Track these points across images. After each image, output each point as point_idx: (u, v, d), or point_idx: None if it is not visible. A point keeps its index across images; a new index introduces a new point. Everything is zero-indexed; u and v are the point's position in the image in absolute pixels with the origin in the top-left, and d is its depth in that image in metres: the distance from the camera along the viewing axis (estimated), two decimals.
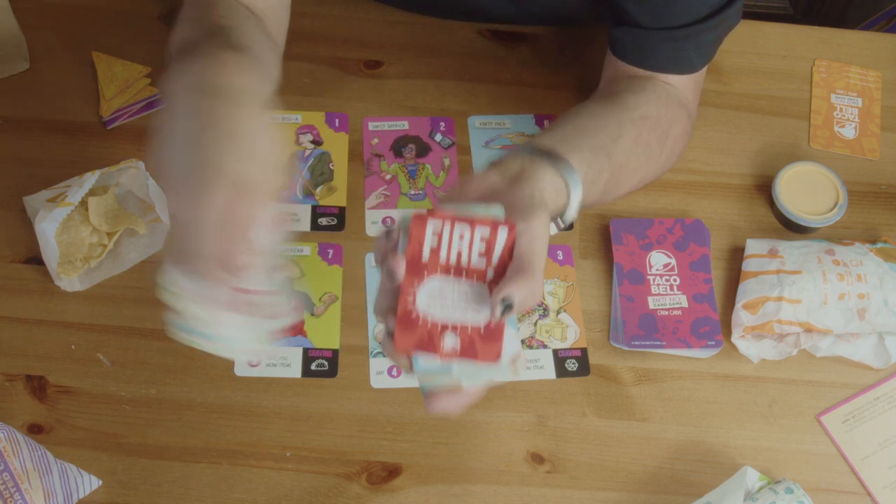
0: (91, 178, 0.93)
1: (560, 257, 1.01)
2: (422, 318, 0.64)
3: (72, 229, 0.94)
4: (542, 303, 0.99)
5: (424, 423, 0.93)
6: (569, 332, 0.98)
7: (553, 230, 0.79)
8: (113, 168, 0.95)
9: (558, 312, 0.98)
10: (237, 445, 0.91)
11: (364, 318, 0.97)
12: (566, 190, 0.80)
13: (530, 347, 0.97)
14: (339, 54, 1.10)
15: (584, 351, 0.97)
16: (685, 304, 0.97)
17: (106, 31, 1.11)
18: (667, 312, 0.97)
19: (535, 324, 0.98)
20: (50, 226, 0.91)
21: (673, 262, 1.00)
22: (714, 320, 0.96)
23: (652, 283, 0.98)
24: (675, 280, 0.98)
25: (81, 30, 1.11)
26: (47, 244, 0.92)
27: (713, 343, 0.95)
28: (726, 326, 0.97)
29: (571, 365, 0.96)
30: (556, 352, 0.97)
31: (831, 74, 1.14)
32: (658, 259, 1.00)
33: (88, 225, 0.95)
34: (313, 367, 0.95)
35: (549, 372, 0.96)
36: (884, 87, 1.14)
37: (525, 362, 0.69)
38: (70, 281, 0.95)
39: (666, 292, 0.98)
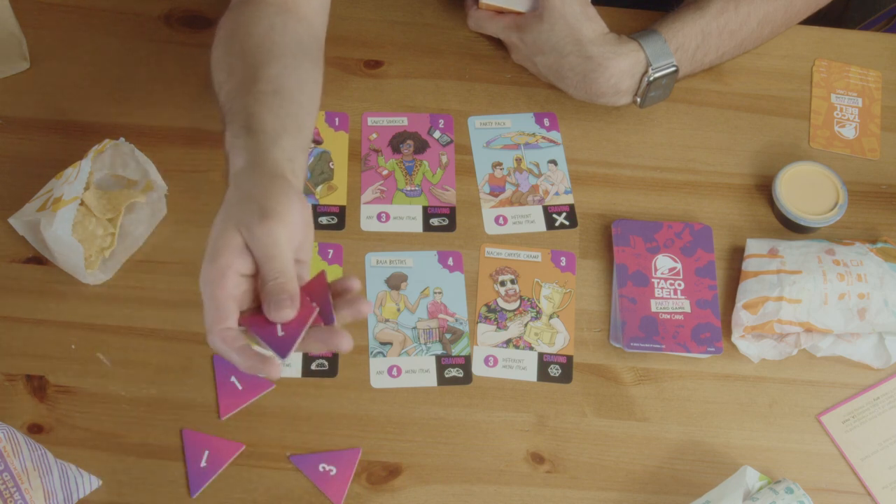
0: (84, 169, 0.93)
1: (563, 263, 1.01)
2: None
3: (79, 226, 0.94)
4: (537, 305, 0.99)
5: (424, 423, 0.93)
6: (558, 338, 0.97)
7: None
8: (94, 153, 0.96)
9: (551, 317, 0.98)
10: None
11: (364, 319, 0.97)
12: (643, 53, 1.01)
13: (516, 347, 0.97)
14: (339, 54, 1.10)
15: (569, 358, 0.97)
16: (688, 310, 0.97)
17: (106, 31, 1.11)
18: (668, 316, 0.97)
19: (526, 325, 0.98)
20: (64, 226, 0.91)
21: (679, 266, 0.99)
22: (716, 327, 0.96)
23: (656, 286, 0.98)
24: (679, 284, 0.98)
25: (81, 30, 1.11)
26: (66, 245, 0.91)
27: (713, 349, 0.95)
28: (726, 327, 0.97)
29: (555, 370, 0.96)
30: (541, 355, 0.97)
31: (831, 74, 1.14)
32: (664, 263, 1.00)
33: (92, 217, 0.95)
34: (313, 367, 0.95)
35: (531, 374, 0.96)
36: (884, 87, 1.14)
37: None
38: (94, 274, 0.96)
39: (669, 296, 0.98)
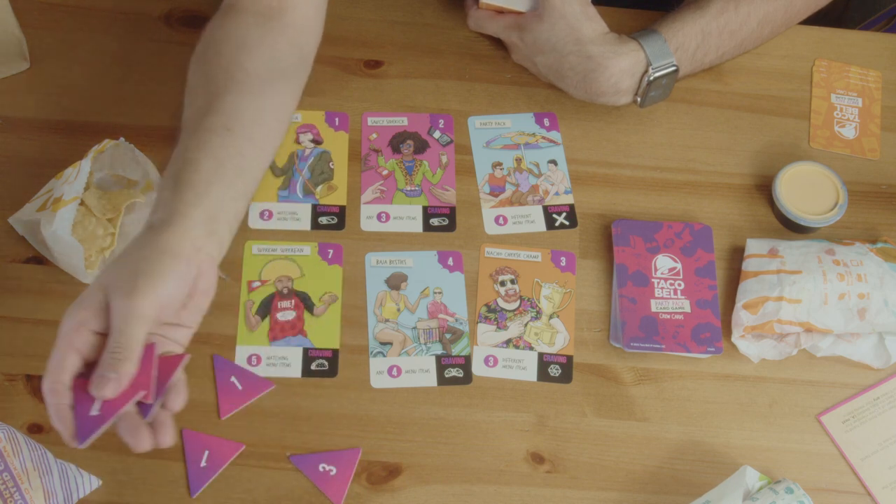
0: (84, 169, 0.93)
1: (563, 263, 1.01)
2: None
3: (79, 226, 0.94)
4: (537, 305, 0.99)
5: (424, 423, 0.93)
6: (558, 338, 0.97)
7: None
8: (94, 153, 0.95)
9: (551, 317, 0.98)
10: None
11: (364, 318, 0.97)
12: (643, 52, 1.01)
13: (516, 347, 0.97)
14: (339, 54, 1.10)
15: (569, 358, 0.97)
16: (688, 310, 0.97)
17: (106, 31, 1.11)
18: (668, 316, 0.97)
19: (526, 325, 0.98)
20: (64, 226, 0.91)
21: (679, 266, 0.99)
22: (716, 327, 0.96)
23: (656, 286, 0.98)
24: (679, 284, 0.98)
25: (81, 30, 1.11)
26: (66, 245, 0.91)
27: (713, 349, 0.95)
28: (726, 327, 0.97)
29: (555, 370, 0.96)
30: (541, 355, 0.97)
31: (831, 74, 1.14)
32: (664, 263, 0.99)
33: (92, 217, 0.95)
34: (313, 367, 0.95)
35: (531, 374, 0.96)
36: (884, 87, 1.14)
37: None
38: (94, 274, 0.96)
39: (669, 296, 0.98)
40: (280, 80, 0.92)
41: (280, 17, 0.93)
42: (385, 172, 1.05)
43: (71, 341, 0.73)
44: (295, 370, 0.95)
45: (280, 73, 0.92)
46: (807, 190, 1.03)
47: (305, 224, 1.01)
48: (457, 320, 0.98)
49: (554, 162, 1.07)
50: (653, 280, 0.99)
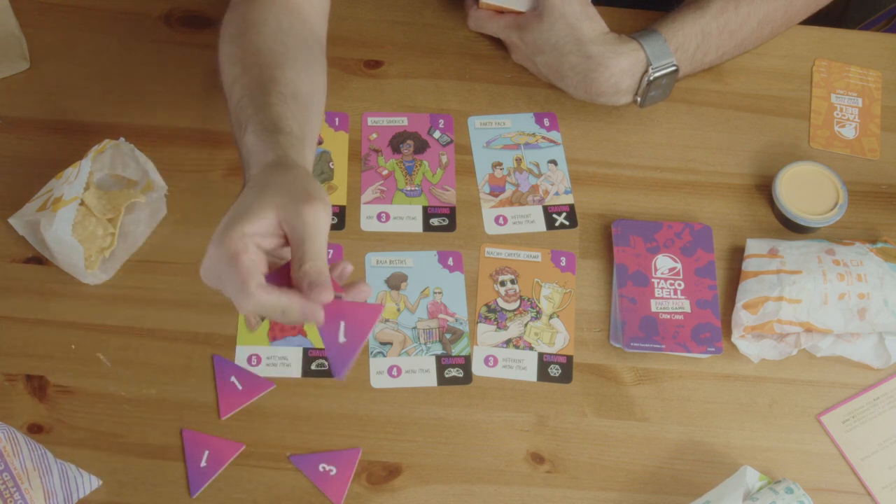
0: (84, 169, 0.93)
1: (563, 263, 1.01)
2: None
3: (79, 226, 0.94)
4: (537, 305, 0.99)
5: (424, 423, 0.93)
6: (558, 338, 0.97)
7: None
8: (94, 153, 0.96)
9: (551, 317, 0.98)
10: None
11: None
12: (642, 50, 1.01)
13: (516, 347, 0.97)
14: (339, 54, 1.10)
15: (569, 358, 0.97)
16: (688, 310, 0.97)
17: (106, 31, 1.11)
18: (668, 316, 0.97)
19: (526, 325, 0.98)
20: (64, 227, 0.91)
21: (679, 266, 0.99)
22: (716, 327, 0.96)
23: (656, 286, 0.98)
24: (679, 285, 0.98)
25: (81, 30, 1.11)
26: (66, 245, 0.91)
27: (713, 349, 0.95)
28: (726, 327, 0.97)
29: (555, 370, 0.96)
30: (541, 355, 0.97)
31: (831, 74, 1.14)
32: (664, 263, 1.00)
33: (92, 217, 0.95)
34: (313, 367, 0.95)
35: (531, 374, 0.96)
36: (884, 87, 1.14)
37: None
38: (94, 274, 0.96)
39: (669, 296, 0.98)
40: (317, 63, 0.92)
41: (298, 12, 0.93)
42: (385, 172, 1.05)
43: (249, 252, 0.72)
44: (295, 370, 0.95)
45: (315, 58, 0.92)
46: (807, 190, 1.03)
47: None
48: (457, 320, 0.98)
49: (554, 162, 1.07)
50: (653, 280, 0.99)
